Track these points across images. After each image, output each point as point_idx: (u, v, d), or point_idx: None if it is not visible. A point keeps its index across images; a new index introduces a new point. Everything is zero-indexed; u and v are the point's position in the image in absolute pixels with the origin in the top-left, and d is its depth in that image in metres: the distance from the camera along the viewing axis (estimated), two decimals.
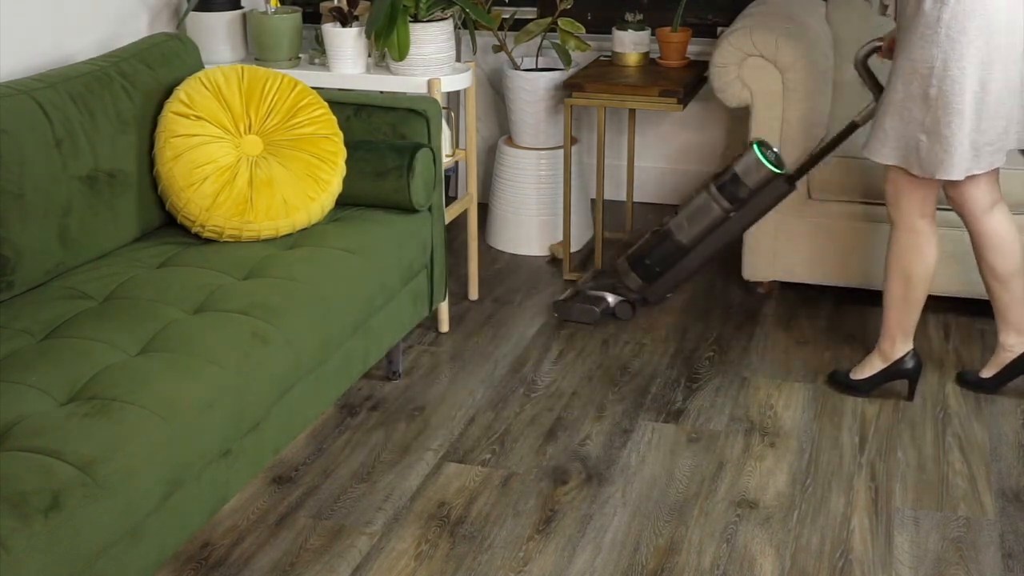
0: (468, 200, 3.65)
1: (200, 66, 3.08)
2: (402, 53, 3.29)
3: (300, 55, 3.56)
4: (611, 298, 3.57)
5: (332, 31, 3.37)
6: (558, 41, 4.05)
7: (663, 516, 2.61)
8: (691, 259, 3.43)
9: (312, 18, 4.24)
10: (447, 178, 4.43)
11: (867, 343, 3.44)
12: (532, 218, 4.14)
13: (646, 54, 3.99)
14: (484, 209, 4.40)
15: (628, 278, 3.53)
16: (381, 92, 3.34)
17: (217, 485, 2.18)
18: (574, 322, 3.56)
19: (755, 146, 3.27)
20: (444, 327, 3.54)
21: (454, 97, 4.39)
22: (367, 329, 2.74)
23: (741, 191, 3.27)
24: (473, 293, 3.78)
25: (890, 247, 2.99)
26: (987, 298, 3.09)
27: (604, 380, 3.24)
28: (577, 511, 2.63)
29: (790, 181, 3.29)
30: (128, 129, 2.77)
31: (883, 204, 3.47)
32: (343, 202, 2.96)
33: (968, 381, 3.16)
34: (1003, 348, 3.09)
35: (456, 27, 3.93)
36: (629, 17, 3.95)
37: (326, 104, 2.96)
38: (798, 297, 3.77)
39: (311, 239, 2.76)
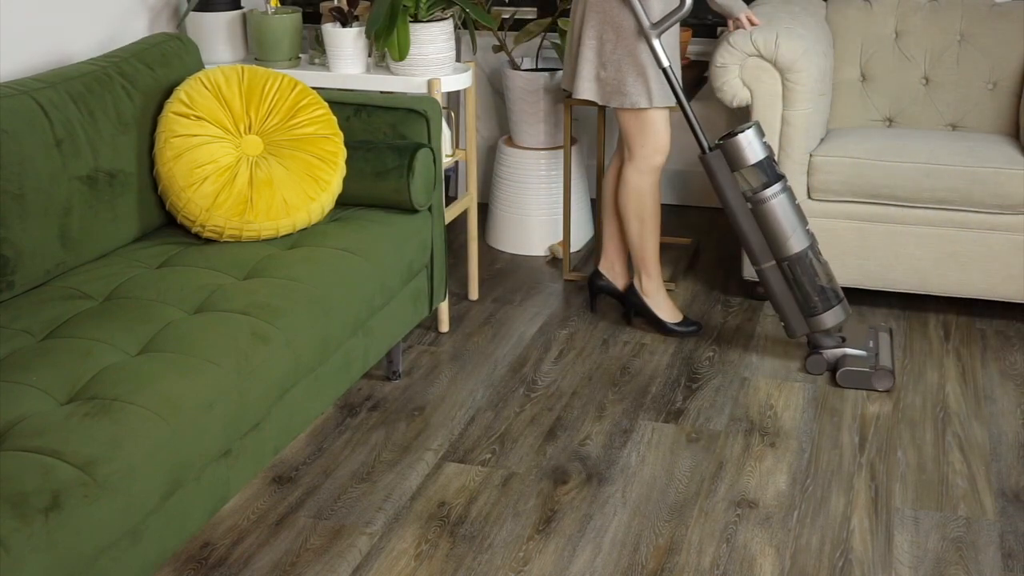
0: (468, 200, 3.65)
1: (200, 66, 3.08)
2: (402, 53, 3.29)
3: (300, 55, 3.57)
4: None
5: (332, 31, 3.37)
6: (558, 41, 4.05)
7: (663, 516, 2.61)
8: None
9: (312, 18, 4.24)
10: (447, 178, 4.43)
11: None
12: (532, 218, 4.14)
13: None
14: (484, 209, 4.40)
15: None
16: (381, 92, 3.34)
17: (217, 485, 2.18)
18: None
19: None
20: (444, 327, 3.54)
21: (454, 97, 4.39)
22: (367, 329, 2.74)
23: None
24: (473, 293, 3.78)
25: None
26: (988, 298, 3.09)
27: (604, 380, 3.24)
28: (577, 511, 2.63)
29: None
30: (128, 129, 2.77)
31: (884, 204, 3.49)
32: (343, 202, 2.96)
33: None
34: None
35: (456, 27, 3.93)
36: None
37: (326, 104, 2.96)
38: None
39: (311, 239, 2.76)
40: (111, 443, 1.89)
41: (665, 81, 3.22)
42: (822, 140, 3.62)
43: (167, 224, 2.88)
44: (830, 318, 3.18)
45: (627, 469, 2.80)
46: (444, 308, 3.52)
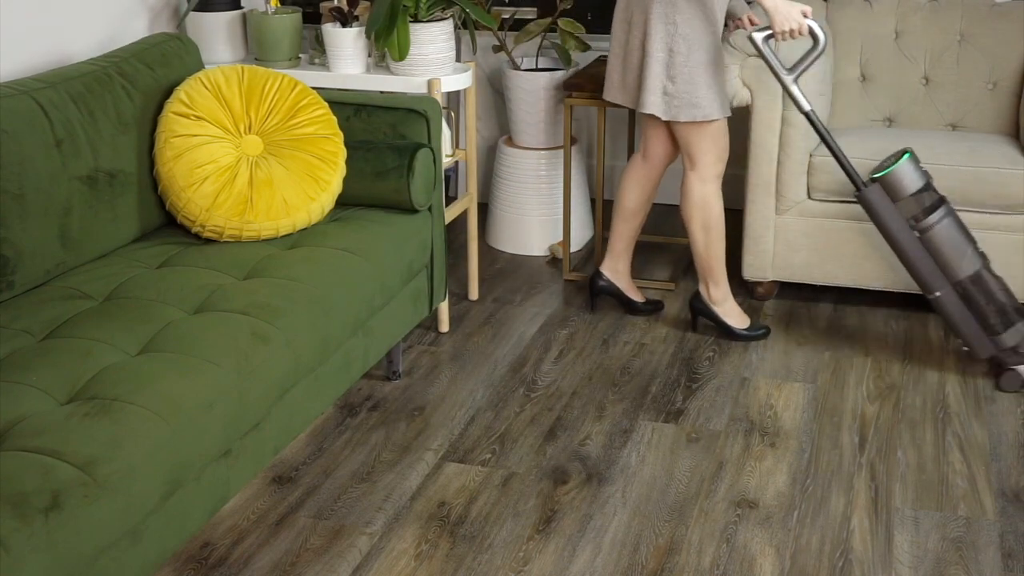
0: (468, 200, 3.65)
1: (200, 66, 3.08)
2: (402, 53, 3.29)
3: (300, 55, 3.57)
4: None
5: (332, 31, 3.37)
6: (558, 41, 4.05)
7: (663, 516, 2.61)
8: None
9: (312, 18, 4.25)
10: (447, 178, 4.43)
11: (867, 343, 3.44)
12: (532, 218, 4.14)
13: None
14: (484, 209, 4.41)
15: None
16: (381, 92, 3.34)
17: (217, 485, 2.18)
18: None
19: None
20: (444, 327, 3.54)
21: (454, 97, 4.39)
22: (367, 329, 2.74)
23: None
24: (473, 293, 3.78)
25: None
26: None
27: (604, 380, 3.24)
28: (577, 511, 2.63)
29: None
30: (128, 129, 2.77)
31: None
32: (343, 202, 2.96)
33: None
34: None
35: (456, 27, 3.94)
36: None
37: (326, 104, 2.96)
38: (798, 297, 3.77)
39: (311, 239, 2.76)
40: (111, 443, 1.89)
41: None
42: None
43: (167, 224, 2.88)
44: (1014, 336, 3.10)
45: (627, 469, 2.80)
46: (444, 308, 3.52)
